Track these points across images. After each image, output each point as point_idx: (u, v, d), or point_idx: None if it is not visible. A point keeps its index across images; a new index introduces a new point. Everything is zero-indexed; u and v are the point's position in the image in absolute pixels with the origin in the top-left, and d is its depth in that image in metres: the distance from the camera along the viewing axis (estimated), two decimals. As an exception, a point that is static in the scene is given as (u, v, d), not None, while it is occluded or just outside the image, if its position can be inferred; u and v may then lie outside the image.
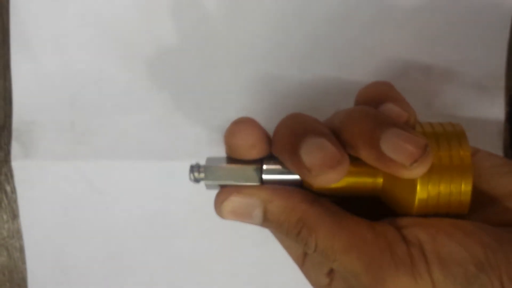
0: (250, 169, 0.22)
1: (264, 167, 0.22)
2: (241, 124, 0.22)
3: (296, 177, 0.22)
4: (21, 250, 0.35)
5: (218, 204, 0.23)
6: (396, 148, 0.19)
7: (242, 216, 0.22)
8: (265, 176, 0.22)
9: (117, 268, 0.34)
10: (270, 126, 0.23)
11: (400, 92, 0.23)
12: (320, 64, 0.32)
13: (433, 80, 0.32)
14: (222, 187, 0.23)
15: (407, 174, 0.19)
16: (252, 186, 0.22)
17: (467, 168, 0.20)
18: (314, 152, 0.19)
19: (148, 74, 0.32)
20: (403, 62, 0.32)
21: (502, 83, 0.32)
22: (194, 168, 0.23)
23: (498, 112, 0.32)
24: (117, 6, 0.31)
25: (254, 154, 0.22)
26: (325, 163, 0.19)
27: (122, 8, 0.31)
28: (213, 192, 0.23)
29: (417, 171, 0.19)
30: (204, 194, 0.24)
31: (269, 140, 0.23)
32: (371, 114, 0.21)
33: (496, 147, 0.32)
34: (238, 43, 0.32)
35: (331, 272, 0.23)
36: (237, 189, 0.22)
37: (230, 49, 0.32)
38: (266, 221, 0.22)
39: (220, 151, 0.32)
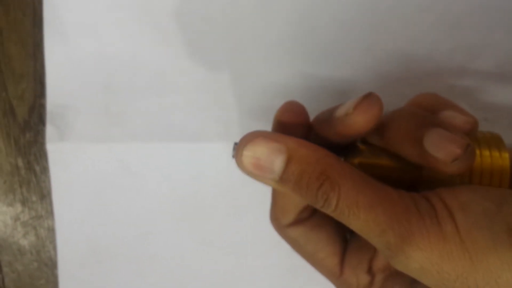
0: None
1: None
2: (295, 103, 0.24)
3: None
4: (49, 229, 0.35)
5: (241, 147, 0.21)
6: (437, 146, 0.20)
7: (262, 168, 0.21)
8: None
9: (147, 250, 0.35)
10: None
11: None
12: (346, 47, 0.32)
13: (455, 64, 0.32)
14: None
15: (448, 170, 0.20)
16: (278, 134, 0.22)
17: (506, 169, 0.22)
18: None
19: (180, 57, 0.32)
20: (426, 45, 0.32)
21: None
22: None
23: (519, 95, 0.33)
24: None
25: (299, 133, 0.23)
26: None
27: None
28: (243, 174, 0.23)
29: (457, 168, 0.20)
30: (235, 176, 0.25)
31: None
32: (418, 114, 0.22)
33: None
34: (266, 27, 0.32)
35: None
36: (263, 133, 0.21)
37: (259, 33, 0.32)
38: (286, 173, 0.21)
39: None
